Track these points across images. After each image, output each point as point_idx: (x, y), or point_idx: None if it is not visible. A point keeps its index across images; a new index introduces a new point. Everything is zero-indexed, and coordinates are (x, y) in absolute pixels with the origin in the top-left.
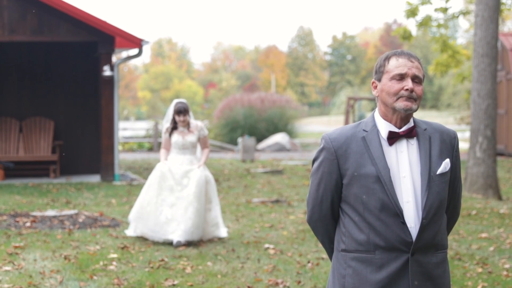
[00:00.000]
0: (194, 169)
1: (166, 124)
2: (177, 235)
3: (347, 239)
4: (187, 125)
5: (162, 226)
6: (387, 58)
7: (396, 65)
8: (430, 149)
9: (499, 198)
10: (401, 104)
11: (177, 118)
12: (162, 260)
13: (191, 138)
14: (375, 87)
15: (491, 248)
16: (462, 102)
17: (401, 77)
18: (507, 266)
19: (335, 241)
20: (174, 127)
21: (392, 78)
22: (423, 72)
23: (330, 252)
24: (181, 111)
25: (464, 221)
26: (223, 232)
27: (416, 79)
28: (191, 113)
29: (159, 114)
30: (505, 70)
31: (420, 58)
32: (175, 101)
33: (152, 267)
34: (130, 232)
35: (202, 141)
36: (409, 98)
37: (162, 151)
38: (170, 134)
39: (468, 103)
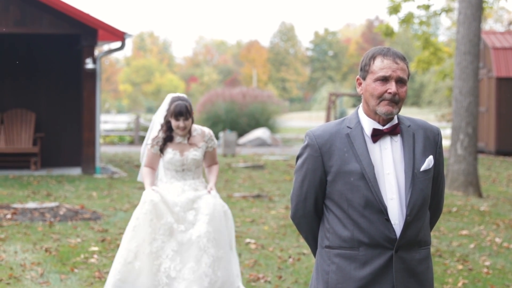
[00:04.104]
0: (203, 195)
1: (153, 131)
2: None
3: (331, 235)
4: (188, 133)
5: None
6: (373, 57)
7: (381, 66)
8: (414, 146)
9: (480, 195)
10: (382, 108)
11: (174, 123)
12: None
13: (195, 153)
14: (360, 84)
15: (472, 245)
16: (443, 99)
17: (385, 79)
18: (487, 263)
19: (319, 237)
20: (168, 137)
21: (376, 79)
22: (408, 72)
23: (313, 249)
24: (182, 112)
25: (445, 218)
26: None
27: (400, 81)
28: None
29: (140, 108)
30: (486, 68)
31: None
32: (172, 96)
33: None
34: None
35: (210, 156)
36: (391, 101)
37: (146, 171)
38: (162, 148)
39: (449, 100)
